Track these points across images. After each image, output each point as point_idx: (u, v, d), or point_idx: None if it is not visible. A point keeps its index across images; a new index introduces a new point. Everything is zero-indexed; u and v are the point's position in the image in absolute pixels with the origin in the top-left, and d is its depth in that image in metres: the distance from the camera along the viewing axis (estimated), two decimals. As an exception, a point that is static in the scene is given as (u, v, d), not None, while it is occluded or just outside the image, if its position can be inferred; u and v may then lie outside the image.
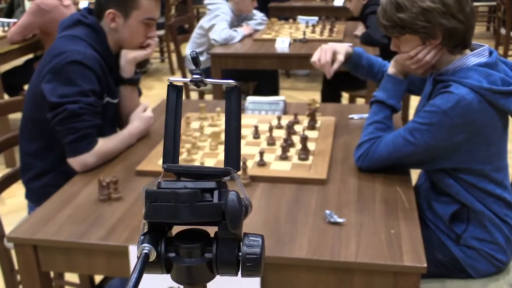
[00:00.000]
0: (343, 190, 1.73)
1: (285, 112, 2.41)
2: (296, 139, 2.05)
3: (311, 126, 2.19)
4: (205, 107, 2.34)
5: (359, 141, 1.84)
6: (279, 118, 2.21)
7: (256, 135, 2.11)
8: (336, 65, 2.01)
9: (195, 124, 2.24)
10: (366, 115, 2.21)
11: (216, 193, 0.57)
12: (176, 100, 0.62)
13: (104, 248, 1.47)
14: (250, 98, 2.41)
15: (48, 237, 1.49)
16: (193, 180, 0.58)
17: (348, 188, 1.74)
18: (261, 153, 1.87)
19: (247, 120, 2.30)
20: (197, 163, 1.87)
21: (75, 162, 1.86)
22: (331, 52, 2.02)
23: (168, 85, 0.62)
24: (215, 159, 1.92)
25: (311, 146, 1.99)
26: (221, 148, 2.00)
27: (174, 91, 0.62)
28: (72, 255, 1.50)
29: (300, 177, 1.79)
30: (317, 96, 4.89)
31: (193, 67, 4.30)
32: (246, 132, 2.15)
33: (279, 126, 2.20)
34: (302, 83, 5.99)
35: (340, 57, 2.02)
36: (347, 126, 2.25)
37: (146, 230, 0.58)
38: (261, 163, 1.86)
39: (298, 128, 2.18)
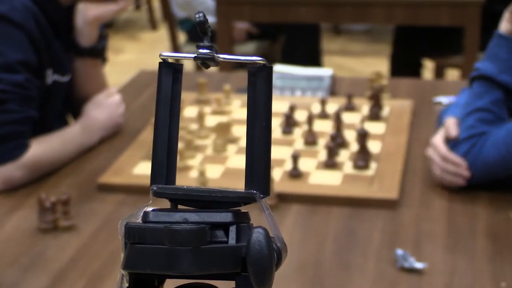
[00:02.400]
0: (424, 217, 1.74)
1: (332, 92, 2.42)
2: (350, 135, 2.06)
3: (375, 116, 2.20)
4: (206, 85, 2.36)
5: (455, 133, 1.85)
6: (323, 102, 2.23)
7: (287, 129, 2.12)
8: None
9: (191, 112, 2.27)
10: (462, 99, 2.21)
11: (232, 230, 0.58)
12: (172, 86, 0.63)
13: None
14: (277, 69, 2.43)
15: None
16: (197, 210, 0.60)
17: (433, 215, 1.75)
18: (295, 158, 1.88)
19: (274, 105, 2.30)
20: (194, 173, 1.90)
21: None
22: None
23: (160, 64, 0.63)
24: (222, 166, 1.94)
25: (374, 147, 2.01)
26: (231, 149, 2.03)
27: (169, 72, 0.63)
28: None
29: (356, 196, 1.80)
30: (383, 66, 4.87)
31: (187, 13, 4.38)
32: (273, 123, 2.16)
33: (324, 115, 2.21)
34: (360, 44, 5.99)
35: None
36: (432, 115, 2.26)
37: (125, 286, 0.60)
38: (295, 174, 1.88)
39: (353, 118, 2.20)
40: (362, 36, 6.14)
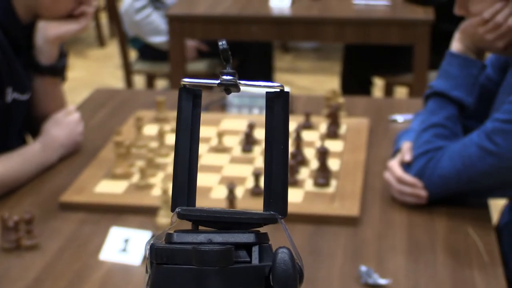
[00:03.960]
0: (385, 233, 1.77)
1: (289, 110, 2.44)
2: (309, 153, 2.09)
3: (333, 134, 2.23)
4: (164, 103, 2.37)
5: (409, 157, 1.89)
6: (282, 121, 2.25)
7: (247, 147, 2.15)
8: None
9: (150, 130, 2.28)
10: (416, 124, 2.25)
11: (255, 250, 0.61)
12: (192, 111, 0.65)
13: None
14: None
15: None
16: (219, 231, 0.61)
17: (394, 231, 1.78)
18: (257, 176, 1.91)
19: (231, 123, 2.34)
20: (156, 191, 1.90)
21: None
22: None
23: (180, 89, 0.65)
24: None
25: (333, 164, 2.03)
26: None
27: (189, 97, 0.66)
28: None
29: (318, 213, 1.83)
30: (333, 83, 4.93)
31: (135, 33, 4.32)
32: (230, 142, 2.19)
33: (282, 133, 2.23)
34: (309, 62, 6.04)
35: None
36: (388, 132, 2.31)
37: None
38: (257, 191, 1.90)
39: (311, 136, 2.23)
40: (310, 53, 6.19)
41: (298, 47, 6.34)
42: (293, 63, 5.98)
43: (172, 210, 0.64)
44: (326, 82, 5.30)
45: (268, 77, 4.33)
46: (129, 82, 4.31)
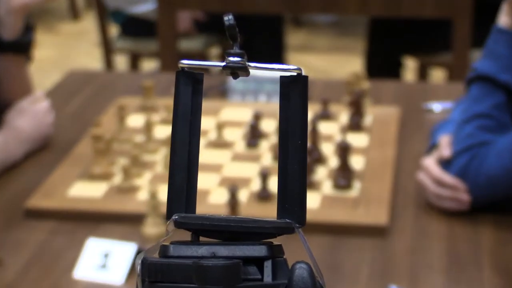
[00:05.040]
0: (420, 246, 1.77)
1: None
2: (327, 149, 2.09)
3: (356, 125, 2.23)
4: (152, 88, 2.36)
5: (448, 153, 1.89)
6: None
7: (252, 141, 2.14)
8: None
9: (135, 121, 2.28)
10: (457, 113, 2.24)
11: (268, 266, 0.60)
12: (191, 99, 0.65)
13: None
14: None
15: None
16: (224, 243, 0.61)
17: (430, 243, 1.78)
18: (264, 176, 1.90)
19: (233, 112, 2.34)
20: (142, 195, 1.91)
21: None
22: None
23: (178, 73, 0.65)
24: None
25: (356, 162, 2.03)
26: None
27: (188, 82, 0.65)
28: None
29: (339, 222, 1.83)
30: (354, 64, 4.93)
31: (116, 4, 4.33)
32: (232, 135, 2.19)
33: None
34: (326, 39, 6.03)
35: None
36: (423, 124, 2.30)
37: None
38: (264, 195, 1.90)
39: (330, 128, 2.22)
40: (327, 29, 6.19)
41: (313, 21, 6.34)
42: (307, 41, 5.98)
43: (168, 217, 0.63)
44: (347, 63, 5.29)
45: (278, 58, 4.32)
46: (108, 63, 4.30)
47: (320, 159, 2.04)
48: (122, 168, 1.96)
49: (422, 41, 4.03)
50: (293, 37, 5.86)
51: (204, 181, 1.97)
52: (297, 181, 0.63)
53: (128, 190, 1.93)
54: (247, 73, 0.63)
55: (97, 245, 1.72)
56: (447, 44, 3.71)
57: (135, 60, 4.39)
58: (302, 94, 0.64)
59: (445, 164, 1.87)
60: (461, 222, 1.84)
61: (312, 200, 1.90)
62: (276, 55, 4.35)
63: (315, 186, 1.95)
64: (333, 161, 2.03)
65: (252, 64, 0.63)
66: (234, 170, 2.04)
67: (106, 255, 1.70)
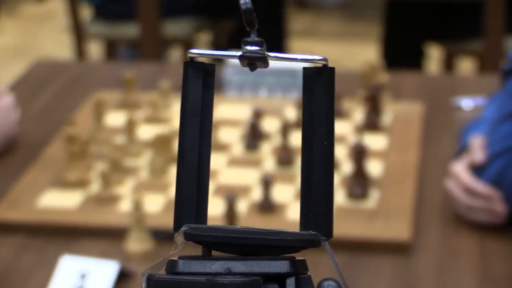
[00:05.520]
0: (448, 264, 1.77)
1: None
2: (340, 152, 2.10)
3: (372, 125, 2.24)
4: (134, 81, 2.37)
5: (481, 157, 1.90)
6: (300, 106, 2.24)
7: (252, 142, 2.15)
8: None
9: (115, 119, 2.28)
10: (490, 111, 2.25)
11: (291, 283, 0.61)
12: (202, 94, 0.65)
13: None
14: (232, 60, 2.44)
15: None
16: (240, 258, 0.62)
17: (460, 261, 1.78)
18: (266, 184, 1.91)
19: (230, 110, 2.35)
20: (125, 206, 1.92)
21: None
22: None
23: (186, 63, 0.65)
24: (163, 195, 1.98)
25: (373, 168, 2.04)
26: (175, 171, 2.03)
27: (198, 75, 0.65)
28: None
29: (354, 237, 1.83)
30: (368, 53, 4.93)
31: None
32: (229, 136, 2.20)
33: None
34: (333, 22, 6.03)
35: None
36: (449, 123, 2.31)
37: None
38: (267, 206, 1.91)
39: (342, 128, 2.23)
40: (336, 11, 6.18)
41: (319, 3, 6.34)
42: (312, 25, 5.97)
43: (176, 229, 0.64)
44: (359, 52, 5.29)
45: (279, 45, 4.32)
46: (80, 51, 4.30)
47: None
48: (100, 174, 1.96)
49: (448, 26, 4.02)
50: (297, 21, 5.86)
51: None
52: (322, 188, 0.65)
53: (107, 199, 1.94)
54: (266, 64, 0.64)
55: (72, 264, 1.73)
56: (478, 30, 3.72)
57: (111, 48, 4.38)
58: (329, 88, 0.64)
59: (478, 170, 1.88)
60: (495, 237, 1.84)
61: (323, 212, 1.90)
62: (277, 42, 4.35)
63: (325, 195, 1.95)
64: (347, 166, 2.04)
65: (272, 54, 0.64)
66: (231, 177, 2.05)
67: (83, 276, 1.70)
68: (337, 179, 2.01)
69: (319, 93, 0.65)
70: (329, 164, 0.65)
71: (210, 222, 1.99)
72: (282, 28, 4.47)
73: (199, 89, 0.66)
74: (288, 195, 1.96)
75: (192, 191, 0.66)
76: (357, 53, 5.31)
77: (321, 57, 0.64)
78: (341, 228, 1.86)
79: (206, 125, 0.66)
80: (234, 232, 0.63)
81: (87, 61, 4.14)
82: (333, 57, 5.40)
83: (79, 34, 4.28)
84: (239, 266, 0.61)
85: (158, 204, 1.94)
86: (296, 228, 1.99)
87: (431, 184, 2.04)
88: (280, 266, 0.61)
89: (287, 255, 0.63)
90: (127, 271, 1.71)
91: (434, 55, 4.61)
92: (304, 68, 0.65)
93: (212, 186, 2.00)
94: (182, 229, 0.63)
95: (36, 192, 1.98)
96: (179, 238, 0.63)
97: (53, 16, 5.98)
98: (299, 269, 0.62)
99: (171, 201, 1.94)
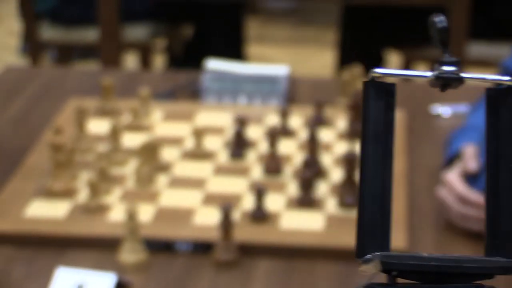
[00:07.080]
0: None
1: (290, 98, 2.45)
2: (327, 160, 2.10)
3: (356, 132, 2.22)
4: (113, 88, 2.34)
5: (474, 165, 1.91)
6: (284, 114, 2.26)
7: (237, 151, 2.15)
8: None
9: (96, 126, 2.26)
10: (478, 117, 2.26)
11: None
12: (384, 116, 0.65)
13: None
14: (211, 66, 2.43)
15: None
16: (431, 286, 0.64)
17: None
18: (259, 193, 1.91)
19: (210, 117, 2.34)
20: (114, 215, 1.90)
21: None
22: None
23: (367, 84, 0.66)
24: (152, 204, 1.97)
25: (362, 176, 2.03)
26: (162, 180, 2.04)
27: (380, 96, 0.66)
28: None
29: (348, 246, 1.81)
30: (323, 57, 4.94)
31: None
32: (212, 144, 2.20)
33: (285, 132, 2.24)
34: (283, 28, 6.04)
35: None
36: (430, 131, 2.32)
37: None
38: (260, 215, 1.90)
39: (327, 135, 2.23)
40: (287, 17, 6.19)
41: (269, 8, 6.34)
42: (264, 30, 5.97)
43: (359, 255, 0.63)
44: (312, 57, 5.30)
45: (236, 52, 4.32)
46: (34, 57, 4.26)
47: (320, 172, 2.05)
48: (88, 184, 1.94)
49: (407, 32, 4.02)
50: (247, 27, 5.86)
51: (185, 198, 1.98)
52: (510, 212, 0.64)
53: (96, 209, 1.92)
54: (460, 84, 0.64)
55: (68, 276, 1.71)
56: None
57: (65, 53, 4.34)
58: None
59: (471, 178, 1.89)
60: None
61: (315, 221, 1.90)
62: (234, 48, 4.34)
63: (317, 204, 1.95)
64: (335, 175, 2.04)
65: (465, 75, 0.63)
66: (219, 186, 2.04)
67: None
68: (325, 187, 2.02)
69: (505, 115, 0.64)
70: None
71: (204, 232, 1.99)
72: (240, 34, 4.47)
73: (381, 111, 0.65)
74: (279, 204, 1.96)
75: (375, 216, 0.65)
76: (310, 58, 5.32)
77: (508, 78, 0.64)
78: (334, 237, 1.87)
79: (388, 147, 0.65)
80: (430, 260, 0.62)
81: (65, 67, 4.10)
82: (286, 62, 5.41)
83: (33, 39, 4.23)
84: None
85: (148, 213, 1.92)
86: (296, 237, 1.99)
87: (420, 193, 2.04)
88: None
89: (477, 282, 0.64)
90: (124, 283, 1.69)
91: (393, 61, 4.62)
92: (488, 89, 0.64)
93: (200, 195, 2.00)
94: (376, 257, 0.62)
95: (22, 202, 1.95)
96: (371, 267, 0.63)
97: (1, 20, 5.93)
98: None
99: (161, 211, 1.93)
